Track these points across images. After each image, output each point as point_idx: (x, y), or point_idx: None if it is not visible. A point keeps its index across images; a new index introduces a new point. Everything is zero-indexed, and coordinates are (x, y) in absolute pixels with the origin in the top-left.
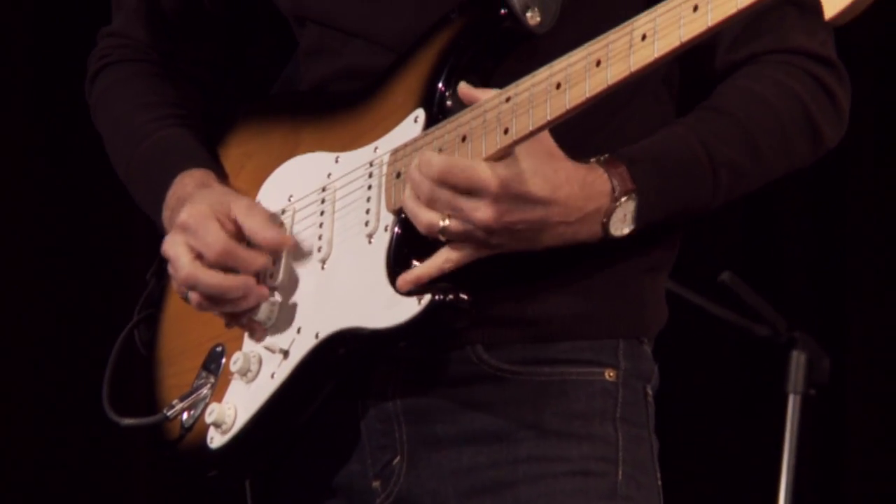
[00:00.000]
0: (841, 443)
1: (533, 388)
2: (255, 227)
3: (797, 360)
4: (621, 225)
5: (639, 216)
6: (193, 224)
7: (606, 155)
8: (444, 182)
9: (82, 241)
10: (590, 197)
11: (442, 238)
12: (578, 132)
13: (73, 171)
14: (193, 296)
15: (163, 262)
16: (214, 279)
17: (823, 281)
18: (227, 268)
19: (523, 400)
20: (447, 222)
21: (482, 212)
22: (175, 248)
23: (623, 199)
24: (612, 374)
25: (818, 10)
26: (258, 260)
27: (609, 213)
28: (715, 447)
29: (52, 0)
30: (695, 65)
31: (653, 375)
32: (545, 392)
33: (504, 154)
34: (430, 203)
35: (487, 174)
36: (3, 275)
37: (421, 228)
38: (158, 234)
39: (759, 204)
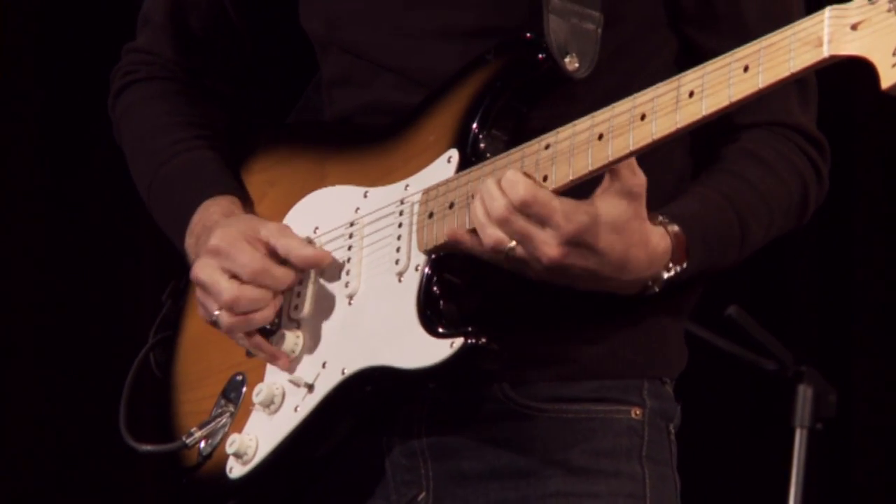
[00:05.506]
0: (847, 477)
1: (560, 426)
2: (290, 245)
3: (804, 395)
4: (654, 286)
5: (670, 282)
6: (225, 247)
7: (666, 218)
8: (524, 210)
9: (92, 261)
10: (651, 264)
11: (502, 257)
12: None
13: (82, 195)
14: (228, 318)
15: (178, 285)
16: (259, 293)
17: (830, 315)
18: (262, 286)
19: (550, 437)
20: (513, 245)
21: (551, 248)
22: (209, 272)
23: (672, 271)
24: (638, 412)
25: (813, 85)
26: (291, 276)
27: (657, 280)
28: (722, 481)
29: (63, 12)
30: None
31: (675, 415)
32: (572, 429)
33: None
34: (501, 223)
35: (569, 217)
36: (16, 299)
37: (487, 243)
38: (178, 257)
39: None
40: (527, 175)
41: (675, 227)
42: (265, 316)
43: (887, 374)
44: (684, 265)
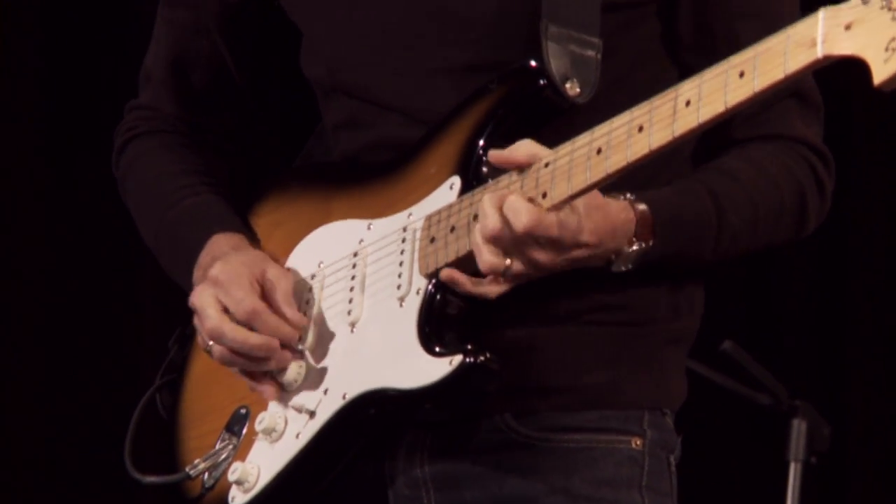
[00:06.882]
0: None
1: (561, 455)
2: (277, 300)
3: (798, 429)
4: (621, 264)
5: (639, 262)
6: (225, 280)
7: (633, 195)
8: (530, 236)
9: (95, 297)
10: (615, 236)
11: (501, 277)
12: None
13: (86, 235)
14: (217, 349)
15: (185, 331)
16: (239, 335)
17: (824, 350)
18: (252, 328)
19: (552, 466)
20: (509, 262)
21: (546, 256)
22: (203, 299)
23: (636, 246)
24: (638, 442)
25: (816, 102)
26: (283, 328)
27: (619, 254)
28: None
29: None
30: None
31: (676, 447)
32: (574, 459)
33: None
34: (500, 244)
35: (563, 226)
36: (25, 338)
37: (484, 267)
38: (184, 302)
39: (760, 274)
40: (529, 198)
41: (643, 206)
42: (249, 364)
43: (880, 409)
44: (650, 242)
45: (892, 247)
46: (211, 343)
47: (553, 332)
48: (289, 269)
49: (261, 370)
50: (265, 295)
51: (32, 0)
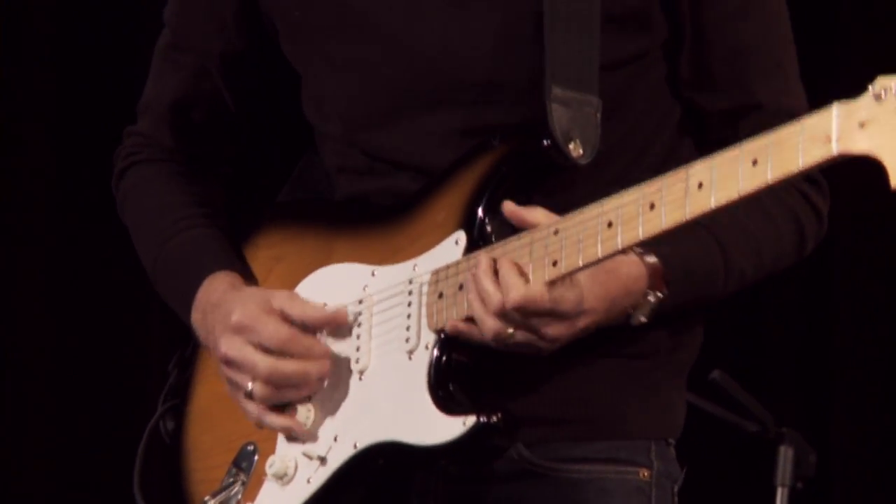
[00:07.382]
0: None
1: (573, 486)
2: (305, 311)
3: (785, 455)
4: (640, 316)
5: (655, 313)
6: (249, 322)
7: (640, 249)
8: (520, 311)
9: (99, 327)
10: (629, 294)
11: (503, 343)
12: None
13: (88, 264)
14: (265, 390)
15: (184, 354)
16: (299, 367)
17: (810, 380)
18: (292, 355)
19: (563, 496)
20: (512, 331)
21: (553, 329)
22: (239, 350)
23: (651, 297)
24: (646, 473)
25: None
26: (318, 345)
27: (637, 307)
28: None
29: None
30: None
31: (679, 476)
32: (584, 489)
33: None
34: (501, 316)
35: (559, 301)
36: (26, 374)
37: (488, 334)
38: (180, 325)
39: (747, 305)
40: (519, 270)
41: (652, 259)
42: (298, 393)
43: (863, 437)
44: (665, 292)
45: (877, 276)
46: (251, 386)
47: (562, 364)
48: (294, 292)
49: (301, 396)
50: (287, 318)
51: (39, 7)
